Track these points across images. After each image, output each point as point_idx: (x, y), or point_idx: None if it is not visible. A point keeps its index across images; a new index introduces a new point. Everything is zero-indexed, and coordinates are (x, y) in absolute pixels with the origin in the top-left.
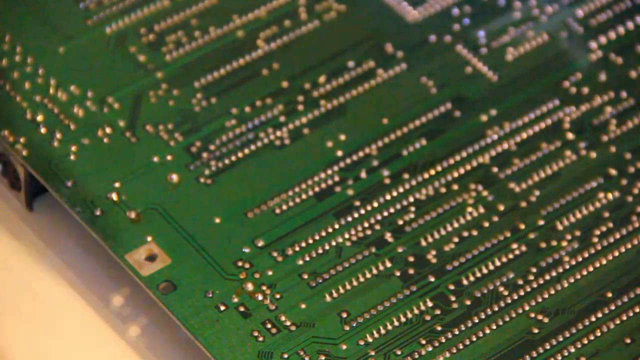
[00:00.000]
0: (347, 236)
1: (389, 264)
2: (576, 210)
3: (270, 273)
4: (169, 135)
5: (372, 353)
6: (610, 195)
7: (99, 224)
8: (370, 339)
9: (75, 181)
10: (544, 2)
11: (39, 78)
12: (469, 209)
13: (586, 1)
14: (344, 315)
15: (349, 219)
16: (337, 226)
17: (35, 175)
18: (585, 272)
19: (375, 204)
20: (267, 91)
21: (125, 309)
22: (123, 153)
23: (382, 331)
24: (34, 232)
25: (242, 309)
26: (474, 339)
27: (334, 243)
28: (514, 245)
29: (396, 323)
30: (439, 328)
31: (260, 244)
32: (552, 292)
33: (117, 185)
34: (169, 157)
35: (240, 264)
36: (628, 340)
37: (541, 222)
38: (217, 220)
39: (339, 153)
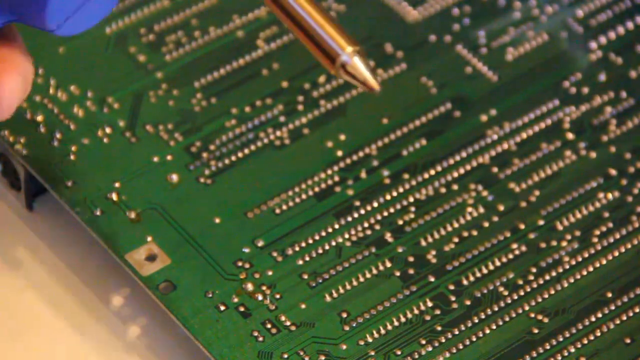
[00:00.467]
0: (347, 236)
1: (389, 264)
2: (576, 210)
3: (270, 273)
4: (169, 135)
5: (372, 353)
6: (610, 195)
7: (99, 224)
8: (370, 339)
9: (75, 181)
10: (544, 2)
11: (39, 78)
12: (469, 209)
13: (586, 1)
14: (344, 315)
15: (349, 219)
16: (337, 226)
17: (35, 175)
18: (585, 272)
19: (375, 204)
20: (267, 91)
21: (125, 309)
22: (123, 153)
23: (382, 331)
24: (34, 232)
25: (242, 309)
26: (474, 339)
27: (334, 243)
28: (514, 245)
29: (396, 323)
30: (439, 328)
31: (260, 244)
32: (552, 292)
33: (117, 185)
34: (169, 157)
35: (240, 264)
36: (628, 340)
37: (541, 222)
38: (217, 220)
39: (339, 153)
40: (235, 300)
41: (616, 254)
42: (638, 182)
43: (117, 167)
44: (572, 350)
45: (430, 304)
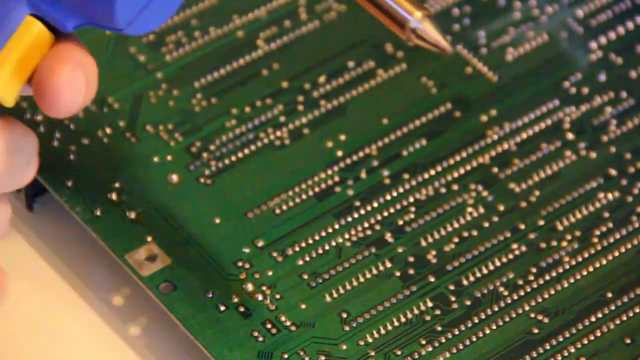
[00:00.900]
0: (347, 236)
1: (389, 264)
2: (576, 211)
3: (270, 273)
4: (169, 136)
5: (372, 353)
6: (610, 196)
7: (99, 224)
8: (370, 339)
9: (75, 181)
10: (544, 2)
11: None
12: (469, 209)
13: (586, 1)
14: (344, 315)
15: (349, 219)
16: (337, 226)
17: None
18: (585, 272)
19: (375, 204)
20: (267, 91)
21: (125, 309)
22: (123, 153)
23: (382, 331)
24: (34, 232)
25: (242, 309)
26: (474, 339)
27: (334, 243)
28: (514, 246)
29: (396, 323)
30: (439, 328)
31: (260, 244)
32: (552, 292)
33: (117, 185)
34: (169, 157)
35: (240, 264)
36: (628, 341)
37: (541, 222)
38: (217, 221)
39: (339, 153)
40: (235, 300)
41: (616, 254)
42: (638, 182)
43: (117, 167)
44: (572, 350)
45: (430, 304)
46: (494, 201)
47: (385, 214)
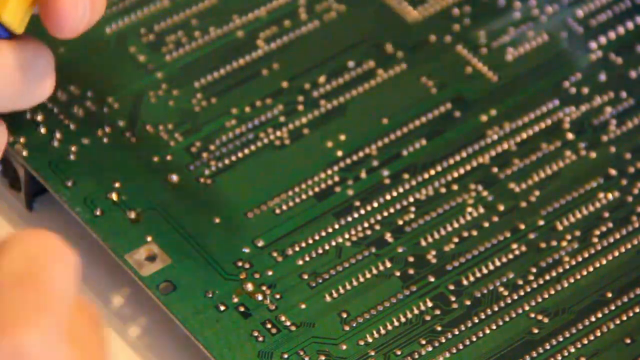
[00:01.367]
0: (347, 236)
1: (388, 264)
2: (576, 211)
3: (270, 273)
4: (169, 135)
5: (372, 353)
6: (610, 196)
7: (99, 224)
8: (370, 339)
9: (75, 181)
10: (544, 2)
11: None
12: (469, 209)
13: (586, 1)
14: (344, 315)
15: (349, 219)
16: (337, 226)
17: (35, 175)
18: (585, 272)
19: (375, 204)
20: (267, 91)
21: (125, 309)
22: (123, 153)
23: (382, 331)
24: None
25: (242, 309)
26: (474, 339)
27: (334, 243)
28: (514, 246)
29: (396, 323)
30: (439, 328)
31: (260, 244)
32: (552, 292)
33: (117, 185)
34: (169, 157)
35: (240, 264)
36: (628, 341)
37: (541, 222)
38: (217, 220)
39: (339, 153)
40: (235, 300)
41: (616, 254)
42: (638, 182)
43: (117, 167)
44: (572, 350)
45: (430, 304)
46: (494, 201)
47: (385, 214)
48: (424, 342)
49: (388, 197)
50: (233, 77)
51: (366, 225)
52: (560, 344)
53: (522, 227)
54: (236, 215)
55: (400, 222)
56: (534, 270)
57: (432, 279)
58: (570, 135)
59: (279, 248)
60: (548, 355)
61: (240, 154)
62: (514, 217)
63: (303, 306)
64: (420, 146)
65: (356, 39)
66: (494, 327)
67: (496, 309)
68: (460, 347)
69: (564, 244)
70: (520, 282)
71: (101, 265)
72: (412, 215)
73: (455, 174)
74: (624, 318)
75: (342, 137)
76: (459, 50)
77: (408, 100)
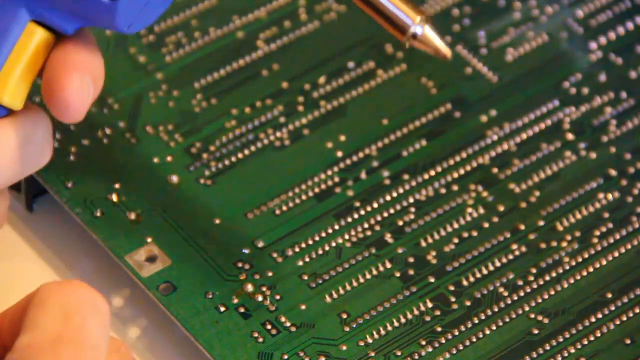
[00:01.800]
0: (347, 237)
1: (389, 265)
2: (576, 211)
3: (270, 274)
4: (169, 136)
5: (372, 354)
6: (610, 196)
7: (99, 224)
8: (370, 340)
9: (75, 182)
10: (544, 2)
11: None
12: (469, 210)
13: (586, 1)
14: (344, 316)
15: (349, 219)
16: (337, 227)
17: (35, 175)
18: (585, 273)
19: (375, 205)
20: (267, 92)
21: (125, 310)
22: (123, 154)
23: (382, 332)
24: (34, 232)
25: (242, 310)
26: (474, 339)
27: (334, 244)
28: (514, 246)
29: (396, 324)
30: (439, 329)
31: (260, 244)
32: (552, 292)
33: (117, 186)
34: (169, 158)
35: (240, 264)
36: (628, 341)
37: (541, 223)
38: (217, 221)
39: (339, 154)
40: (235, 301)
41: (616, 254)
42: (638, 182)
43: (117, 168)
44: (572, 350)
45: (430, 305)
46: (493, 201)
47: (385, 214)
48: (424, 342)
49: (388, 197)
50: (233, 78)
51: (366, 225)
52: (560, 345)
53: (522, 227)
54: (236, 216)
55: (400, 223)
56: (534, 270)
57: (432, 280)
58: (570, 136)
59: (279, 249)
60: (548, 356)
61: (240, 155)
62: (514, 218)
63: (303, 307)
64: (420, 147)
65: (356, 39)
66: (494, 327)
67: (496, 309)
68: (460, 347)
69: (564, 244)
70: (520, 283)
71: (101, 266)
72: (412, 216)
73: (455, 175)
74: (624, 318)
75: (342, 138)
76: (459, 51)
77: (408, 101)
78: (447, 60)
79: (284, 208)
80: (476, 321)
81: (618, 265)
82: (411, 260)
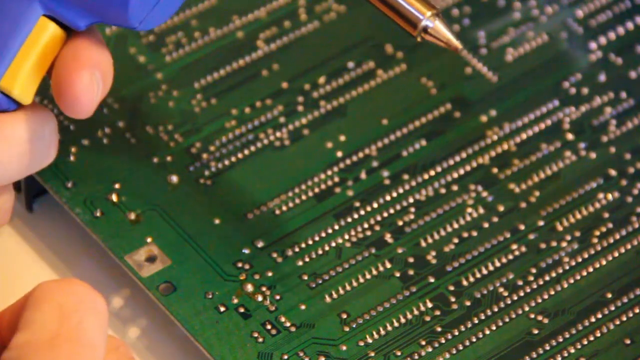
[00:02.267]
0: (347, 237)
1: (388, 265)
2: (576, 211)
3: (270, 274)
4: (169, 136)
5: (372, 354)
6: (610, 196)
7: (98, 225)
8: (370, 340)
9: (75, 182)
10: (544, 2)
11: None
12: (469, 210)
13: (586, 1)
14: (344, 316)
15: (349, 219)
16: (337, 227)
17: (35, 175)
18: (585, 273)
19: (375, 205)
20: (267, 92)
21: (125, 310)
22: (123, 154)
23: (382, 332)
24: (34, 232)
25: (242, 310)
26: (474, 339)
27: (333, 244)
28: (514, 246)
29: (396, 324)
30: (439, 329)
31: (260, 244)
32: (552, 292)
33: (117, 186)
34: (168, 158)
35: (240, 265)
36: (628, 341)
37: (541, 223)
38: (217, 221)
39: (339, 154)
40: (235, 301)
41: (616, 254)
42: (638, 182)
43: (117, 168)
44: (572, 351)
45: (430, 305)
46: (493, 201)
47: (385, 214)
48: (424, 342)
49: (388, 197)
50: (233, 78)
51: (366, 226)
52: (560, 345)
53: (522, 227)
54: (236, 216)
55: (400, 223)
56: (533, 270)
57: (432, 280)
58: (570, 136)
59: (279, 249)
60: (548, 356)
61: (240, 155)
62: (514, 218)
63: (303, 307)
64: (420, 147)
65: (356, 39)
66: (493, 327)
67: (496, 309)
68: (460, 347)
69: (564, 244)
70: (520, 283)
71: (101, 266)
72: (412, 216)
73: (455, 175)
74: (624, 318)
75: (342, 138)
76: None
77: (408, 101)
78: (458, 52)
79: (284, 208)
80: (476, 321)
81: (618, 265)
82: (411, 260)
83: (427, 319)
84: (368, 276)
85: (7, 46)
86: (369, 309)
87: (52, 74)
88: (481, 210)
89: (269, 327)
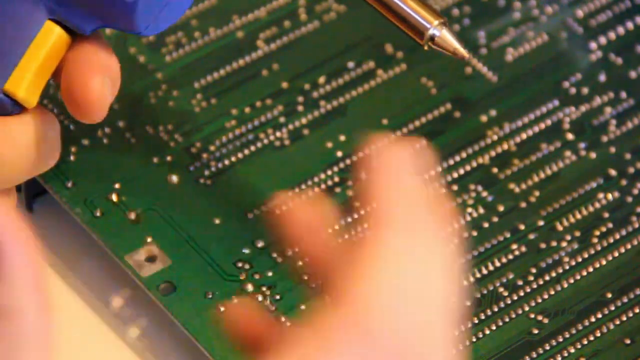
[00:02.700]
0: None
1: None
2: (576, 211)
3: (270, 274)
4: (169, 136)
5: None
6: (609, 196)
7: (98, 224)
8: None
9: (75, 182)
10: (544, 2)
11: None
12: (469, 210)
13: (586, 1)
14: None
15: (349, 219)
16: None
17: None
18: (585, 273)
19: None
20: (267, 92)
21: (125, 310)
22: (123, 154)
23: None
24: (34, 232)
25: None
26: (474, 339)
27: None
28: (514, 246)
29: None
30: None
31: (260, 244)
32: (552, 292)
33: (117, 186)
34: (168, 158)
35: (240, 264)
36: (628, 341)
37: (541, 223)
38: (217, 221)
39: (339, 153)
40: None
41: (616, 254)
42: (638, 182)
43: (117, 167)
44: (572, 350)
45: None
46: (493, 201)
47: None
48: None
49: None
50: (233, 78)
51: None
52: (560, 345)
53: (522, 227)
54: (236, 216)
55: None
56: (533, 270)
57: None
58: (570, 136)
59: (279, 249)
60: (548, 356)
61: (240, 155)
62: (514, 218)
63: (303, 307)
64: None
65: (356, 39)
66: (493, 327)
67: (496, 309)
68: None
69: (564, 244)
70: (520, 283)
71: (101, 266)
72: None
73: (455, 175)
74: (624, 318)
75: (342, 138)
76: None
77: (408, 101)
78: (465, 60)
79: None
80: (476, 321)
81: (618, 265)
82: None
83: None
84: None
85: (12, 50)
86: None
87: (61, 79)
88: (481, 210)
89: None
